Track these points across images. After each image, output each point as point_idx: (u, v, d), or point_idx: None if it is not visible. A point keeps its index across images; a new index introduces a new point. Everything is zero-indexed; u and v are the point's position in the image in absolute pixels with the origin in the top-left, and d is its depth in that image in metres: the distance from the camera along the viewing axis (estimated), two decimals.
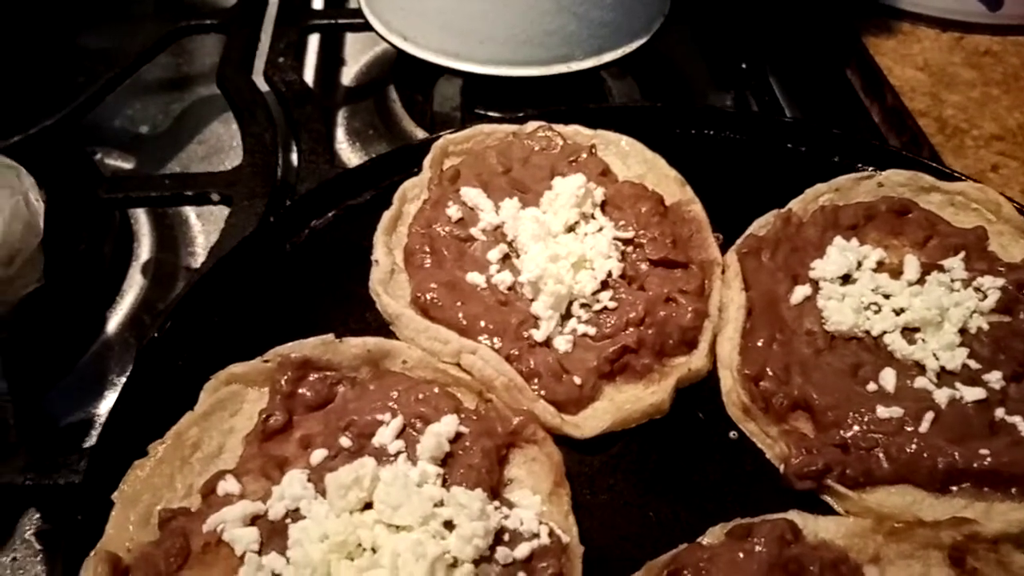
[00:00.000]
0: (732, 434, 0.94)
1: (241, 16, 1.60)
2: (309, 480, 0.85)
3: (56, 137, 1.35)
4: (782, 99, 1.58)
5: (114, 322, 1.24)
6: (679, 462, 0.92)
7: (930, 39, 1.63)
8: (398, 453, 0.86)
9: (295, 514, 0.82)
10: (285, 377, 0.92)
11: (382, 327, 1.03)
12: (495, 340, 0.98)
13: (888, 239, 1.08)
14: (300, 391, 0.92)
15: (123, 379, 1.13)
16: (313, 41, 1.73)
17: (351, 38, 1.75)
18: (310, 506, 0.82)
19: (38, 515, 1.02)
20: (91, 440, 1.09)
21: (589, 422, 0.94)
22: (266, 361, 0.94)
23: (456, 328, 0.99)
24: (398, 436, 0.88)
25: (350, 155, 1.51)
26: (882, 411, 0.90)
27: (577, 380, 0.95)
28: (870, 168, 1.18)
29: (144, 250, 1.34)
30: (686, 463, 0.92)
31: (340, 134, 1.56)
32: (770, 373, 0.95)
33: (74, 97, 1.40)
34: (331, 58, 1.72)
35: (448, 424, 0.88)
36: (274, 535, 0.81)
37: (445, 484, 0.84)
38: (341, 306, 1.05)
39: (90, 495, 0.85)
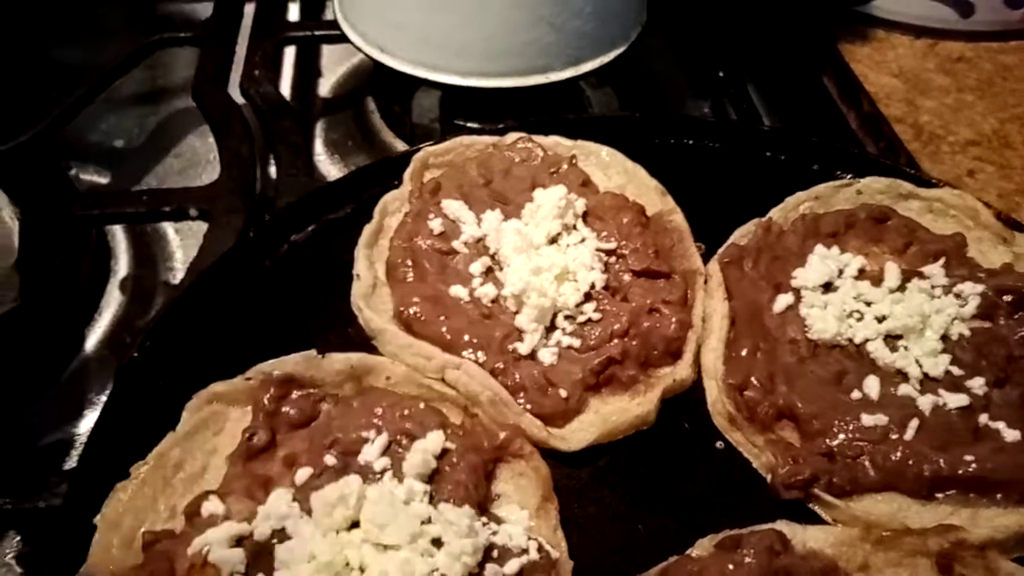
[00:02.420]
0: (718, 444, 0.94)
1: (216, 28, 1.59)
2: (294, 499, 0.83)
3: (30, 153, 1.33)
4: (760, 107, 1.59)
5: (93, 340, 1.22)
6: (666, 473, 0.92)
7: (904, 46, 1.65)
8: (384, 471, 0.85)
9: (281, 534, 0.81)
10: (268, 395, 0.91)
11: (365, 342, 1.02)
12: (479, 354, 0.97)
13: (868, 247, 1.09)
14: (283, 409, 0.91)
15: (103, 398, 1.12)
16: (289, 53, 1.71)
17: (327, 50, 1.74)
18: (296, 526, 0.81)
19: (19, 538, 1.00)
20: (71, 460, 1.07)
21: (576, 435, 0.93)
22: (248, 379, 0.93)
23: (440, 342, 0.98)
24: (383, 453, 0.87)
25: (329, 167, 1.50)
26: (867, 419, 0.90)
27: (563, 393, 0.95)
28: (849, 176, 1.19)
29: (122, 266, 1.32)
30: (673, 474, 0.92)
31: (318, 146, 1.55)
32: (754, 382, 0.95)
33: (47, 112, 1.39)
34: (308, 70, 1.71)
35: (434, 440, 0.87)
36: (260, 556, 0.80)
37: (432, 501, 0.83)
38: (323, 322, 1.04)
39: (72, 518, 0.83)
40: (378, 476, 0.85)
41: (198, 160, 1.53)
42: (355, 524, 0.81)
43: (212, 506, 0.83)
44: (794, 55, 1.69)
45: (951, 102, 1.51)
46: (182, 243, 1.37)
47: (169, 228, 1.38)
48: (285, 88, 1.64)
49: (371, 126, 1.57)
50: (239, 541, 0.81)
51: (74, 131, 1.50)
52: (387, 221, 1.14)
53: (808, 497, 0.88)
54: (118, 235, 1.35)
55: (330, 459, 0.87)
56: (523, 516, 0.85)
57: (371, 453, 0.86)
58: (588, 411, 0.96)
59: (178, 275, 1.31)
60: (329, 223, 1.16)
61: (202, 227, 1.22)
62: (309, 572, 0.77)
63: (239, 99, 1.47)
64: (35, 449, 1.09)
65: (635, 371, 0.98)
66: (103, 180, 1.49)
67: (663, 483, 0.91)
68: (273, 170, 1.37)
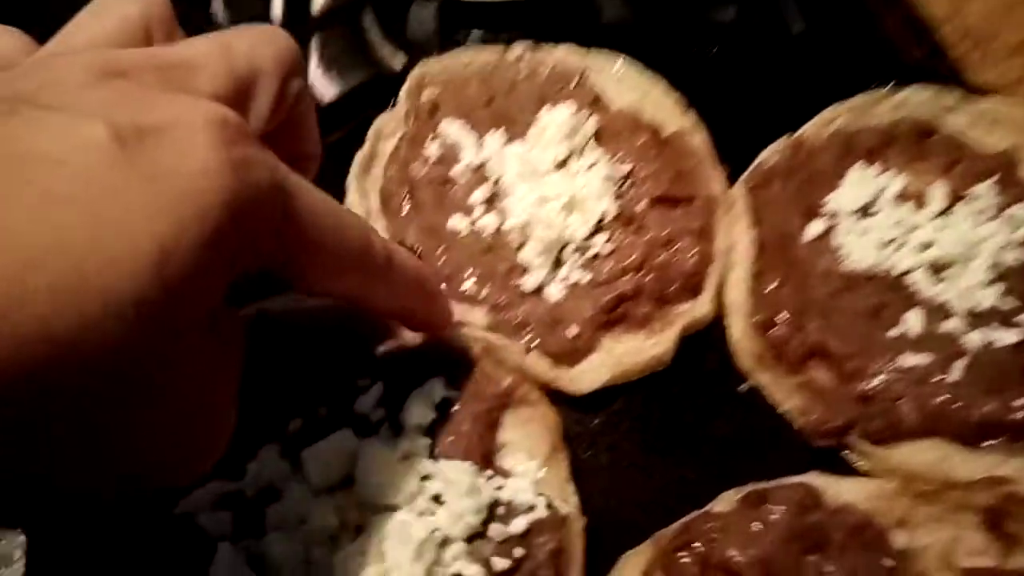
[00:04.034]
0: (742, 387, 0.87)
1: None
2: (283, 455, 0.78)
3: None
4: (789, 11, 1.45)
5: None
6: (685, 418, 0.85)
7: None
8: (380, 422, 0.79)
9: (270, 493, 0.75)
10: None
11: None
12: (482, 290, 0.90)
13: (910, 165, 0.98)
14: None
15: None
16: None
17: None
18: (287, 485, 0.75)
19: None
20: None
21: (586, 376, 0.86)
22: None
23: (438, 278, 0.91)
24: (379, 403, 0.80)
25: (326, 85, 1.39)
26: (907, 358, 0.82)
27: (572, 331, 0.87)
28: (889, 85, 1.08)
29: None
30: (693, 419, 0.85)
31: (313, 64, 1.44)
32: (783, 318, 0.87)
33: None
34: None
35: (435, 388, 0.80)
36: (248, 518, 0.74)
37: (432, 454, 0.77)
38: None
39: None
40: (373, 427, 0.79)
41: None
42: (350, 480, 0.75)
43: None
44: None
45: (1001, 1, 1.37)
46: None
47: None
48: (277, 5, 1.52)
49: (370, 42, 1.45)
50: (226, 501, 0.75)
51: None
52: (381, 146, 1.05)
53: (842, 444, 0.81)
54: None
55: (323, 410, 0.80)
56: (531, 467, 0.79)
57: (366, 403, 0.80)
58: (599, 351, 0.89)
59: None
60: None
61: None
62: (301, 536, 0.72)
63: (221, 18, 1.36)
64: None
65: (650, 308, 0.90)
66: None
67: (681, 429, 0.85)
68: None
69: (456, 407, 0.80)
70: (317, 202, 0.54)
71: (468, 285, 0.91)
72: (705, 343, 0.89)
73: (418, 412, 0.78)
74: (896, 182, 0.96)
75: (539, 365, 0.85)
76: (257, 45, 0.55)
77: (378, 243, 0.61)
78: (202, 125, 0.45)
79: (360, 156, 1.02)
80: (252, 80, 0.53)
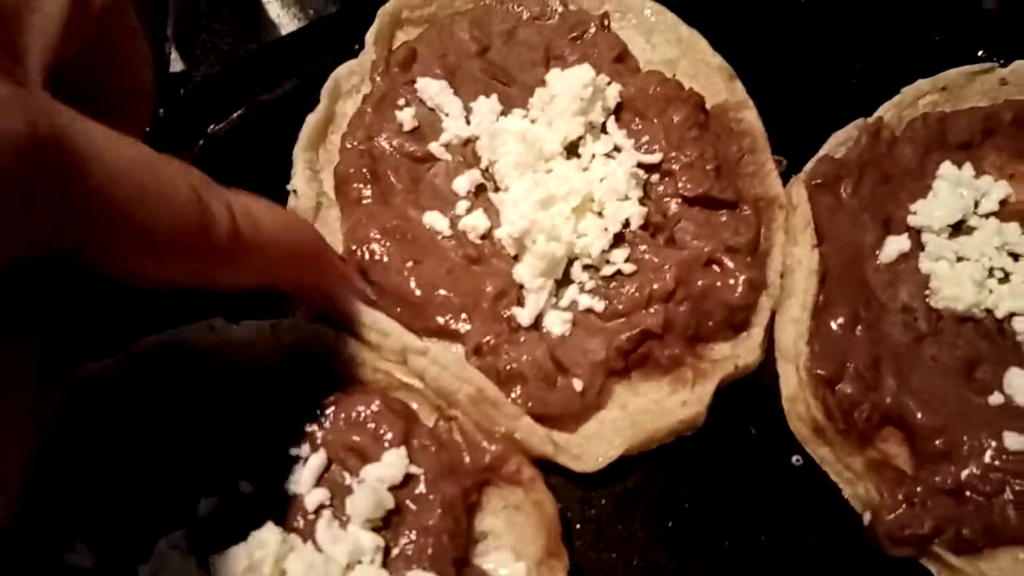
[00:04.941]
0: (795, 459, 0.68)
1: None
2: (190, 548, 0.58)
3: None
4: None
5: None
6: (720, 501, 0.66)
7: None
8: (320, 509, 0.59)
9: None
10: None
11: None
12: (461, 320, 0.69)
13: (1014, 164, 0.78)
14: None
15: None
16: None
17: None
18: None
19: None
20: None
21: (593, 448, 0.66)
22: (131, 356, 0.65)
23: (405, 300, 0.70)
24: (320, 481, 0.60)
25: (282, 17, 1.13)
26: (1011, 438, 0.63)
27: (577, 384, 0.67)
28: (990, 57, 0.85)
29: None
30: (730, 503, 0.66)
31: None
32: (851, 371, 0.67)
33: None
34: None
35: (393, 464, 0.60)
36: None
37: (387, 559, 0.58)
38: None
39: None
40: (311, 518, 0.59)
41: None
42: None
43: (78, 556, 0.58)
44: None
45: None
46: None
47: None
48: None
49: None
50: None
51: None
52: (340, 107, 0.82)
53: (922, 552, 0.62)
54: None
55: (244, 485, 0.60)
56: (518, 571, 0.60)
57: (302, 481, 0.60)
58: (611, 406, 0.69)
59: None
60: (262, 108, 0.85)
61: None
62: None
63: None
64: None
65: (681, 349, 0.69)
66: None
67: (715, 515, 0.66)
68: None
69: (421, 488, 0.61)
70: (123, 159, 0.41)
71: (446, 314, 0.70)
72: (748, 398, 0.70)
73: (370, 501, 0.58)
74: (996, 188, 0.75)
75: (533, 434, 0.65)
76: None
77: (219, 212, 0.47)
78: None
79: (311, 121, 0.79)
80: None
